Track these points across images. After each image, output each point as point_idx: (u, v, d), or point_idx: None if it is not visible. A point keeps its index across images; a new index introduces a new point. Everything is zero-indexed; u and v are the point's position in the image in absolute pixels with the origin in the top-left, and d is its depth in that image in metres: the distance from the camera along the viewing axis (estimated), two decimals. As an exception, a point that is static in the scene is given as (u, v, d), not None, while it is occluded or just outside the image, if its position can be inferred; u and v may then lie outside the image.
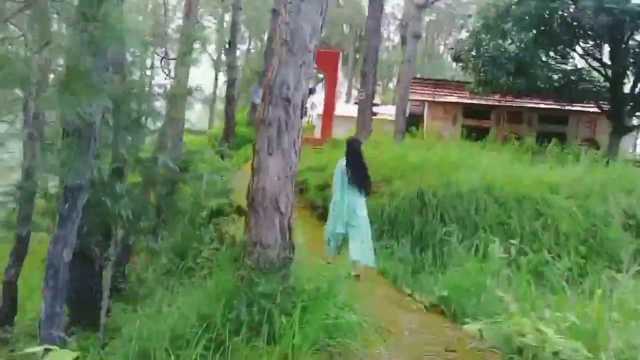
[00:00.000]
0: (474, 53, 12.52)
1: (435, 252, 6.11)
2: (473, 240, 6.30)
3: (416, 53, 13.70)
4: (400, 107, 13.47)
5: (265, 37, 16.55)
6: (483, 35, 12.28)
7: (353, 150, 5.80)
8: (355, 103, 11.89)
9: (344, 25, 39.75)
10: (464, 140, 17.62)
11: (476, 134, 18.07)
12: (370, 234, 5.59)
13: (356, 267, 5.16)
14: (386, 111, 24.68)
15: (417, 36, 13.52)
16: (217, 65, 31.91)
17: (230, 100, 13.58)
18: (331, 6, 35.40)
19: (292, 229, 3.63)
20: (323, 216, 7.76)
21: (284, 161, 3.50)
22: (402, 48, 34.67)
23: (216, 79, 31.53)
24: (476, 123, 20.96)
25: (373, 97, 11.99)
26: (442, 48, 39.72)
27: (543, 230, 6.49)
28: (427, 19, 36.23)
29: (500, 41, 12.19)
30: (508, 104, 19.06)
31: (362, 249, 5.37)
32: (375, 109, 24.39)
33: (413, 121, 22.34)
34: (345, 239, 5.55)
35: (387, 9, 38.84)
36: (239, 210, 8.21)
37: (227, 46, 13.52)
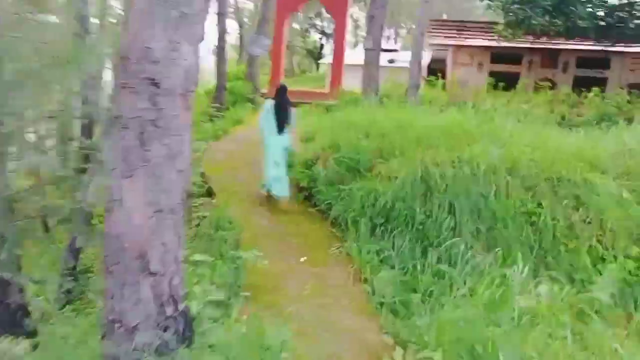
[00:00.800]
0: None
1: (441, 257, 4.73)
2: (490, 241, 4.93)
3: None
4: (415, 55, 11.67)
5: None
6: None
7: (280, 95, 6.66)
8: (365, 48, 10.17)
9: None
10: (491, 88, 15.76)
11: (505, 81, 16.17)
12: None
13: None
14: (406, 58, 22.61)
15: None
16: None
17: (220, 52, 12.00)
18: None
19: (181, 295, 2.30)
20: (310, 201, 6.45)
21: (156, 186, 2.13)
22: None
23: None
24: (505, 69, 18.89)
25: (380, 44, 10.25)
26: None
27: (583, 223, 5.01)
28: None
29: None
30: (540, 46, 16.89)
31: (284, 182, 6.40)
32: (392, 56, 22.39)
33: (437, 67, 20.33)
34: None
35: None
36: (210, 193, 6.94)
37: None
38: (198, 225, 5.99)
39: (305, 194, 6.47)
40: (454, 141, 6.03)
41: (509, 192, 5.25)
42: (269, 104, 6.69)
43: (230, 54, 29.02)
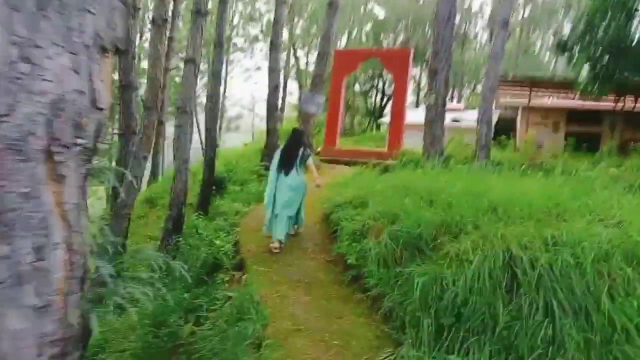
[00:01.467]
0: (587, 39, 9.26)
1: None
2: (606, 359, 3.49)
3: (504, 45, 10.64)
4: (484, 114, 10.49)
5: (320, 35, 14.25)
6: (599, 15, 9.00)
7: (290, 137, 6.68)
8: (427, 105, 9.15)
9: (427, 25, 36.46)
10: (570, 151, 14.10)
11: (584, 143, 14.51)
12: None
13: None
14: (471, 117, 21.44)
15: (506, 24, 10.48)
16: (286, 70, 30.24)
17: (271, 108, 11.37)
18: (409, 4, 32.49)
19: None
20: (358, 284, 5.23)
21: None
22: (490, 45, 30.94)
23: (285, 84, 29.82)
24: (584, 129, 17.20)
25: (445, 100, 9.17)
26: (538, 44, 35.13)
27: None
28: (521, 15, 32.15)
29: (625, 22, 8.85)
30: (626, 104, 15.23)
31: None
32: (457, 115, 21.25)
33: (505, 127, 18.93)
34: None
35: (475, 5, 35.18)
36: (241, 266, 5.90)
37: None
38: (220, 308, 4.93)
39: (353, 274, 5.26)
40: (543, 215, 4.70)
41: (630, 289, 3.82)
42: (279, 149, 6.78)
43: (290, 114, 29.14)
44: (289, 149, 6.55)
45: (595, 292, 3.77)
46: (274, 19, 11.40)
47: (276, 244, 6.05)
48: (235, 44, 30.37)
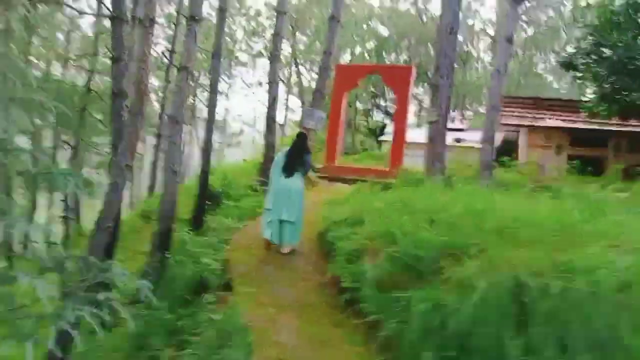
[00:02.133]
0: (593, 57, 9.00)
1: None
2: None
3: (508, 62, 10.42)
4: (487, 132, 10.20)
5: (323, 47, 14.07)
6: (607, 32, 8.76)
7: (295, 141, 6.72)
8: (428, 122, 8.89)
9: (429, 45, 36.47)
10: (575, 174, 13.79)
11: (587, 166, 14.19)
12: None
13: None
14: (473, 137, 21.21)
15: (510, 39, 10.25)
16: (288, 86, 30.14)
17: (269, 122, 11.09)
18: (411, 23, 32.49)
19: None
20: (353, 308, 4.86)
21: None
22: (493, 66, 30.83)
23: (287, 100, 29.70)
24: (587, 152, 16.91)
25: (447, 117, 8.89)
26: (541, 66, 35.07)
27: None
28: (523, 34, 32.12)
29: (634, 39, 8.61)
30: (632, 128, 14.97)
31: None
32: (459, 135, 21.00)
33: (508, 149, 18.67)
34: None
35: (477, 24, 35.21)
36: (229, 286, 5.53)
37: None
38: (203, 332, 4.55)
39: (348, 298, 4.89)
40: (553, 239, 4.35)
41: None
42: (282, 151, 6.85)
43: (293, 131, 28.96)
44: (293, 152, 6.59)
45: (615, 325, 3.41)
46: (274, 31, 11.20)
47: (286, 249, 6.26)
48: (237, 57, 30.26)
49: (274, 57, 11.07)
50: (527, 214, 4.92)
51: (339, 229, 6.01)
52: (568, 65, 9.23)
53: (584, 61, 9.26)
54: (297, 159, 6.53)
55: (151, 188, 19.49)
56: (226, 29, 30.42)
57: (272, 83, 11.01)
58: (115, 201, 5.89)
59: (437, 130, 8.62)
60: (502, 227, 4.63)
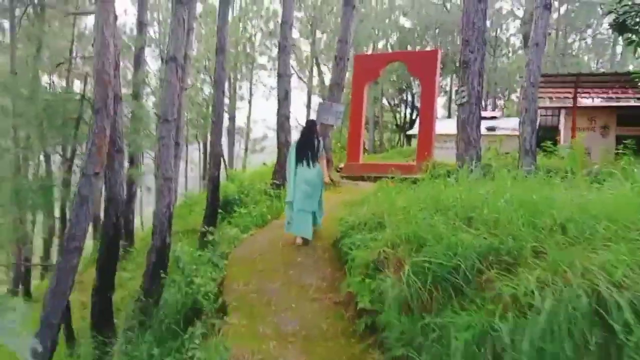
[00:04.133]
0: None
1: None
2: None
3: (546, 32, 9.18)
4: (527, 113, 8.98)
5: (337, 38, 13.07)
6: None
7: (307, 129, 6.67)
8: (458, 104, 7.74)
9: (455, 34, 34.86)
10: (627, 157, 12.31)
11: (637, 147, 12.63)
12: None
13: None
14: (507, 125, 19.76)
15: (548, 6, 9.00)
16: (309, 86, 29.17)
17: (282, 121, 10.12)
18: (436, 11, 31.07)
19: None
20: (373, 337, 3.81)
21: None
22: (525, 50, 29.04)
23: (309, 103, 28.79)
24: (637, 132, 15.29)
25: (480, 97, 7.72)
26: (576, 45, 32.99)
27: None
28: (556, 15, 30.20)
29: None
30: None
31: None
32: (493, 123, 19.57)
33: (547, 134, 17.21)
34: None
35: (505, 6, 33.47)
36: (224, 310, 4.56)
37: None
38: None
39: (367, 323, 3.85)
40: (637, 235, 3.20)
41: None
42: (293, 143, 6.75)
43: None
44: (304, 140, 6.52)
45: None
46: (282, 19, 10.25)
47: (299, 240, 6.04)
48: (249, 55, 29.54)
49: (283, 48, 10.11)
50: (592, 204, 3.77)
51: (355, 234, 4.97)
52: (620, 26, 7.90)
53: (640, 20, 7.90)
54: (308, 146, 6.44)
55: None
56: (244, 32, 29.89)
57: (283, 76, 10.04)
58: (84, 216, 5.03)
59: (470, 112, 7.47)
60: (563, 223, 3.50)
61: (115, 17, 7.65)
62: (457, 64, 31.84)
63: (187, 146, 28.98)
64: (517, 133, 14.31)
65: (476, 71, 7.65)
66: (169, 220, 6.26)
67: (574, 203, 3.81)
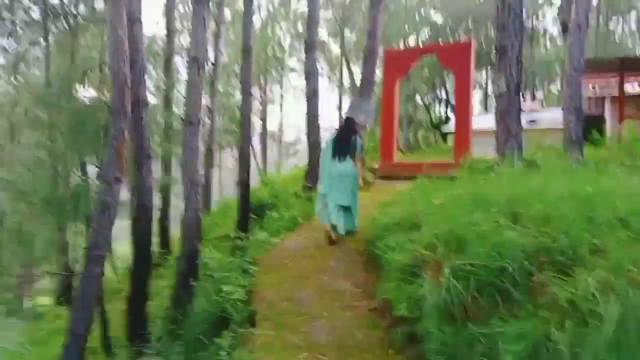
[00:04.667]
0: None
1: None
2: None
3: (589, 12, 8.60)
4: (572, 100, 8.44)
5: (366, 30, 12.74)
6: None
7: (346, 125, 6.76)
8: (495, 94, 7.34)
9: (489, 26, 33.81)
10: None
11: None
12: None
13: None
14: (548, 117, 18.89)
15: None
16: (340, 86, 28.87)
17: (311, 120, 9.87)
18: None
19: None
20: (413, 348, 3.49)
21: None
22: (563, 38, 27.82)
23: (340, 104, 28.50)
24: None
25: (519, 85, 7.26)
26: (619, 30, 31.44)
27: None
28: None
29: None
30: None
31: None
32: (533, 116, 18.76)
33: (590, 124, 16.35)
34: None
35: (541, -4, 32.27)
36: (252, 320, 4.33)
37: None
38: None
39: (405, 332, 3.53)
40: None
41: None
42: (329, 137, 6.73)
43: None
44: (341, 136, 6.51)
45: None
46: (308, 15, 10.02)
47: (334, 235, 6.06)
48: (279, 58, 29.53)
49: (310, 46, 9.87)
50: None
51: (390, 236, 4.66)
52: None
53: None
54: (346, 142, 6.40)
55: (205, 205, 18.95)
56: (273, 36, 29.92)
57: (311, 75, 9.80)
58: (106, 223, 4.91)
59: (508, 101, 7.02)
60: (625, 217, 3.10)
61: (141, 23, 7.61)
62: (493, 56, 30.94)
63: (220, 152, 29.25)
64: (559, 125, 13.60)
65: (514, 58, 7.19)
66: (197, 227, 6.10)
67: (634, 195, 3.40)
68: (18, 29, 15.65)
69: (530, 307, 2.85)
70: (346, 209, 6.27)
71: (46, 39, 15.33)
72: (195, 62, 5.91)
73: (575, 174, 4.35)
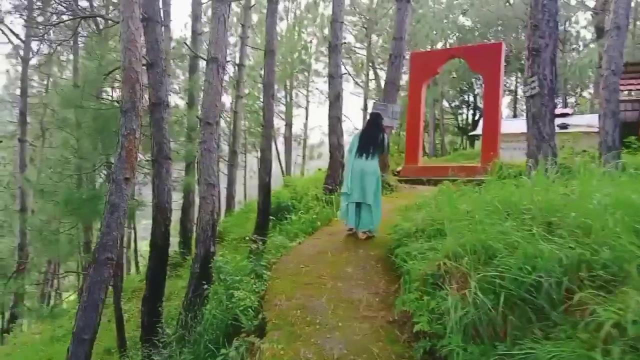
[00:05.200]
0: None
1: None
2: None
3: (629, 12, 8.18)
4: (609, 105, 8.00)
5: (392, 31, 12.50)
6: None
7: (373, 121, 6.52)
8: (527, 96, 6.95)
9: (519, 29, 32.98)
10: None
11: None
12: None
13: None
14: (581, 122, 18.25)
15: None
16: (365, 90, 28.56)
17: (333, 122, 9.62)
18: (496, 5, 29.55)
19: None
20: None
21: None
22: (597, 43, 26.90)
23: (365, 108, 28.20)
24: None
25: (553, 87, 6.88)
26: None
27: None
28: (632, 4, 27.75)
29: None
30: None
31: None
32: (564, 120, 18.12)
33: (626, 132, 15.68)
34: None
35: (574, -1, 31.36)
36: (262, 329, 4.10)
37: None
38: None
39: (425, 348, 3.24)
40: None
41: None
42: (356, 133, 6.63)
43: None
44: (368, 132, 6.37)
45: None
46: (332, 17, 9.80)
47: (362, 235, 6.07)
48: (304, 62, 29.36)
49: (334, 47, 9.64)
50: None
51: (411, 243, 4.37)
52: None
53: None
54: (372, 139, 6.25)
55: (229, 205, 18.91)
56: (299, 40, 29.81)
57: (334, 76, 9.57)
58: (115, 225, 4.75)
59: (541, 105, 6.64)
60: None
61: (160, 24, 7.51)
62: (523, 61, 30.13)
63: (245, 154, 29.28)
64: (591, 130, 13.02)
65: (547, 59, 6.81)
66: (212, 228, 5.92)
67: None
68: (51, 32, 15.96)
69: (568, 328, 2.54)
70: (365, 208, 6.12)
71: (75, 41, 15.54)
72: (215, 62, 5.74)
73: (617, 181, 3.97)
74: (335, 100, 9.54)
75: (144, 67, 7.20)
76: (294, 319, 3.96)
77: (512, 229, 3.30)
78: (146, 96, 7.11)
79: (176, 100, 22.82)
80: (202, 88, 15.98)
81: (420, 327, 3.28)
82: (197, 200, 16.19)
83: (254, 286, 4.71)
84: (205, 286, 5.52)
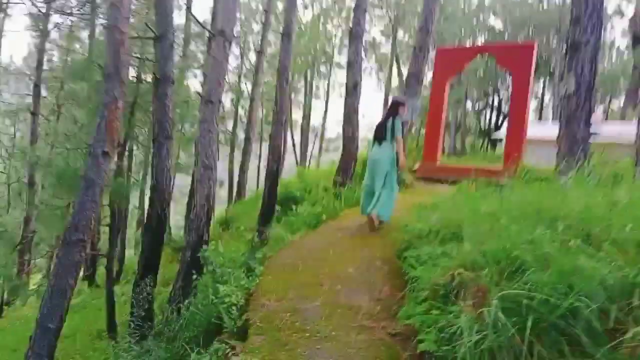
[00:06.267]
0: None
1: None
2: None
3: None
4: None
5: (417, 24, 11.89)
6: None
7: (390, 107, 6.37)
8: (562, 97, 6.36)
9: (551, 34, 31.89)
10: None
11: None
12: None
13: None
14: (612, 131, 17.37)
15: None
16: (387, 82, 27.89)
17: (349, 112, 9.09)
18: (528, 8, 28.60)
19: None
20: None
21: None
22: (633, 51, 25.82)
23: (386, 99, 27.55)
24: None
25: (592, 88, 6.26)
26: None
27: None
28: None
29: None
30: None
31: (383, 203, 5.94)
32: (595, 128, 17.29)
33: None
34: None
35: (610, 6, 30.27)
36: (245, 332, 3.62)
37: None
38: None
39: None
40: None
41: None
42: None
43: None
44: (382, 120, 6.33)
45: None
46: (355, 4, 9.24)
47: (375, 221, 5.83)
48: (327, 53, 28.82)
49: (355, 34, 9.10)
50: None
51: (422, 245, 3.85)
52: None
53: None
54: (383, 125, 6.19)
55: (239, 193, 18.55)
56: (324, 31, 29.27)
57: (353, 64, 9.03)
58: (89, 204, 4.29)
59: (576, 105, 6.04)
60: None
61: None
62: (551, 67, 29.14)
63: (261, 143, 28.87)
64: (622, 141, 12.25)
65: (588, 56, 6.20)
66: (207, 214, 5.47)
67: None
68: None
69: (611, 356, 2.01)
70: (376, 194, 6.01)
71: (92, 22, 15.35)
72: (222, 36, 5.26)
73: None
74: (352, 89, 9.01)
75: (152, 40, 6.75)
76: (281, 324, 3.47)
77: (543, 238, 2.76)
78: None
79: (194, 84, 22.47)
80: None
81: (425, 347, 2.77)
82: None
83: (243, 281, 4.23)
84: (195, 276, 5.07)
